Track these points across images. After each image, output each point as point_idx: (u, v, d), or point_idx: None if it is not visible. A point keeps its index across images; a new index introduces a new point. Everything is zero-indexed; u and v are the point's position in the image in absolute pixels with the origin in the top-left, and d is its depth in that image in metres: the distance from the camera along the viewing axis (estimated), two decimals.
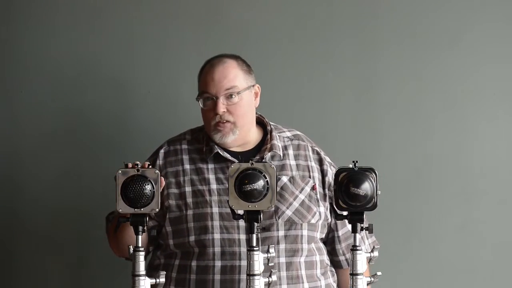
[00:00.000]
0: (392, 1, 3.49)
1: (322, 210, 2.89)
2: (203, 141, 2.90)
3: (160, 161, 2.90)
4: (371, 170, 2.47)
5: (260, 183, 2.44)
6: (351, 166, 2.47)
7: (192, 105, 3.48)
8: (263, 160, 2.82)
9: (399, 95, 3.48)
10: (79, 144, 3.53)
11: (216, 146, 2.85)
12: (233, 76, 2.84)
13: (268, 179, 2.45)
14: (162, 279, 2.49)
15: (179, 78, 3.52)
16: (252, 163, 2.45)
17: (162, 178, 2.55)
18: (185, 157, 2.89)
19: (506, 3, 3.46)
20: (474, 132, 3.46)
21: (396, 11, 3.49)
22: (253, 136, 2.91)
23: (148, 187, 2.45)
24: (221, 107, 2.81)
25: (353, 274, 2.48)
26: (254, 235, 2.46)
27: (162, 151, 2.92)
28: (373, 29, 3.49)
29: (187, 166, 2.87)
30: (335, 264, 2.97)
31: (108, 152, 3.47)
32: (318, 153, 2.96)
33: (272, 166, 2.45)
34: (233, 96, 2.82)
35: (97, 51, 3.54)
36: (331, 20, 3.50)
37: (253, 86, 2.89)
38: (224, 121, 2.82)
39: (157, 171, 2.47)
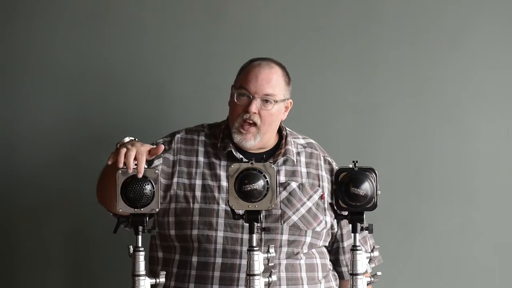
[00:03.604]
0: (392, 1, 3.49)
1: (329, 219, 2.89)
2: (219, 137, 2.90)
3: (175, 144, 2.88)
4: (371, 170, 2.47)
5: (260, 183, 2.43)
6: (351, 166, 2.47)
7: (193, 105, 3.49)
8: (270, 161, 2.82)
9: (399, 95, 3.48)
10: (79, 144, 3.53)
11: (230, 144, 2.86)
12: (276, 83, 2.84)
13: (268, 179, 2.44)
14: (162, 279, 2.49)
15: (179, 78, 3.52)
16: (252, 163, 2.45)
17: (161, 146, 2.54)
18: (201, 149, 2.89)
19: (506, 4, 3.46)
20: (474, 132, 3.46)
21: (397, 12, 3.49)
22: (270, 140, 2.92)
23: (148, 187, 2.45)
24: (254, 108, 2.81)
25: (353, 274, 2.48)
26: (254, 235, 2.46)
27: (178, 135, 2.91)
28: (374, 29, 3.49)
29: (201, 159, 2.87)
30: (338, 274, 2.97)
31: (108, 152, 3.47)
32: (330, 163, 2.96)
33: (272, 166, 2.45)
34: (269, 102, 2.83)
35: (97, 51, 3.54)
36: (332, 20, 3.50)
37: (287, 99, 2.90)
38: (251, 121, 2.82)
39: (157, 171, 2.47)
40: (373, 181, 2.45)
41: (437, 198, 3.46)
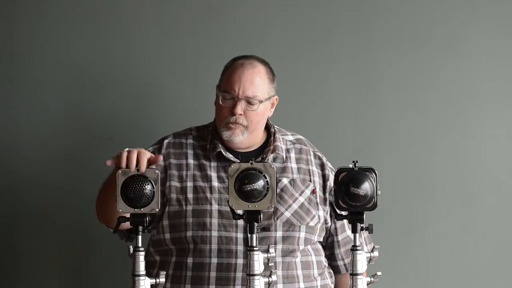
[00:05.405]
0: (392, 2, 3.49)
1: (322, 213, 2.89)
2: (207, 138, 2.90)
3: (164, 150, 2.89)
4: (371, 170, 2.46)
5: (260, 183, 2.43)
6: (351, 166, 2.47)
7: (192, 105, 3.49)
8: (264, 161, 2.83)
9: (399, 95, 3.48)
10: (80, 144, 3.53)
11: (219, 145, 2.86)
12: (259, 83, 2.84)
13: (268, 179, 2.44)
14: (162, 279, 2.48)
15: (179, 78, 3.52)
16: (252, 163, 2.45)
17: (160, 156, 2.56)
18: (190, 152, 2.90)
19: (506, 4, 3.46)
20: (474, 132, 3.46)
21: (397, 12, 3.49)
22: (258, 138, 2.93)
23: (148, 187, 2.45)
24: (239, 110, 2.82)
25: (353, 274, 2.47)
26: (254, 235, 2.46)
27: (167, 141, 2.92)
28: (374, 29, 3.49)
29: (190, 161, 2.88)
30: (334, 269, 2.98)
31: (108, 152, 3.46)
32: (320, 158, 2.97)
33: (272, 166, 2.45)
34: (254, 103, 2.83)
35: (97, 51, 3.54)
36: (332, 20, 3.50)
37: (272, 96, 2.90)
38: (238, 122, 2.82)
39: (157, 171, 2.47)
40: (373, 181, 2.45)
41: (437, 198, 3.46)
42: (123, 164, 2.49)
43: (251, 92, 2.82)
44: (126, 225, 2.57)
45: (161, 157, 2.60)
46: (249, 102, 2.83)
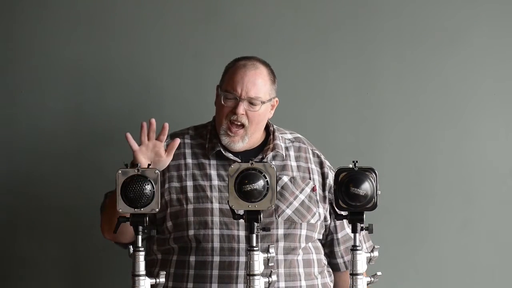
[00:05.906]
0: (392, 2, 3.49)
1: (321, 211, 2.90)
2: (206, 137, 2.91)
3: None
4: (371, 170, 2.47)
5: (260, 183, 2.44)
6: (351, 166, 2.47)
7: (192, 105, 3.49)
8: (264, 160, 2.83)
9: (399, 95, 3.48)
10: (79, 145, 3.53)
11: (218, 144, 2.87)
12: (261, 85, 2.85)
13: (268, 179, 2.45)
14: (162, 279, 2.49)
15: (179, 78, 3.52)
16: (252, 163, 2.46)
17: (177, 140, 2.77)
18: (188, 151, 2.90)
19: (506, 5, 3.46)
20: (474, 132, 3.46)
21: (397, 11, 3.49)
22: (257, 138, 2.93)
23: (148, 187, 2.45)
24: (241, 110, 2.83)
25: (353, 274, 2.48)
26: (254, 235, 2.47)
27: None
28: (374, 28, 3.49)
29: (189, 160, 2.88)
30: (334, 266, 2.98)
31: (108, 152, 3.47)
32: (318, 156, 2.98)
33: (272, 166, 2.46)
34: (256, 104, 2.84)
35: (97, 51, 3.54)
36: (331, 20, 3.50)
37: (273, 98, 2.90)
38: (239, 122, 2.83)
39: (157, 171, 2.47)
40: (373, 181, 2.45)
41: (437, 198, 3.46)
42: (144, 138, 2.75)
43: (254, 93, 2.83)
44: (127, 234, 2.60)
45: (178, 140, 2.79)
46: (251, 102, 2.83)
